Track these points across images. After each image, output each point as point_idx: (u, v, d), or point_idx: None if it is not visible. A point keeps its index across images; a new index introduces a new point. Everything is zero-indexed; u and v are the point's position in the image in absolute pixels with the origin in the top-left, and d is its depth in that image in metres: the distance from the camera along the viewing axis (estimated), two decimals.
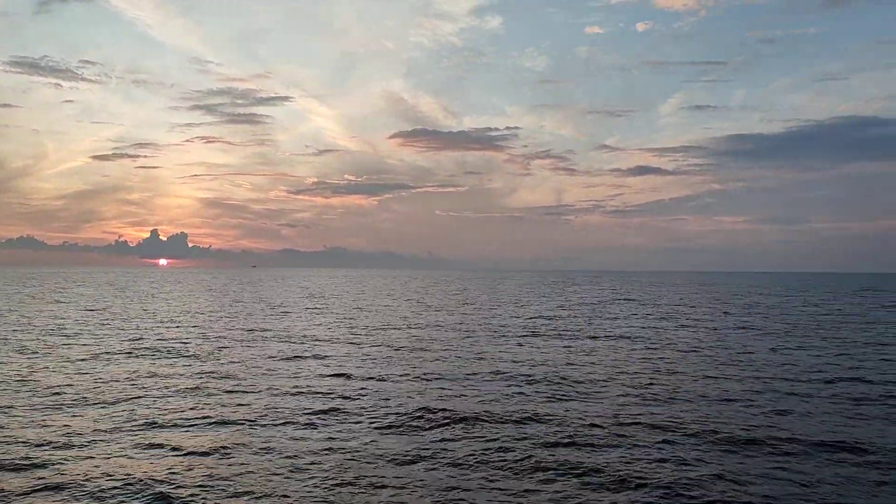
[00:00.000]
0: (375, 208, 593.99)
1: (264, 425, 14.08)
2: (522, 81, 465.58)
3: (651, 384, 19.09)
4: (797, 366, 22.95)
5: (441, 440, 13.03)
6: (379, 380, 19.68)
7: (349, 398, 17.00)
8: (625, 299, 70.78)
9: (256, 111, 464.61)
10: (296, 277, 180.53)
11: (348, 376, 20.32)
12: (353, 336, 31.99)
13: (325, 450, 12.34)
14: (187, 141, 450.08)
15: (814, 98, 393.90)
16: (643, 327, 37.85)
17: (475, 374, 20.81)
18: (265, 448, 12.40)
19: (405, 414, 15.08)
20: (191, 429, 13.75)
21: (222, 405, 16.03)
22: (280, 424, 14.21)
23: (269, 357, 24.53)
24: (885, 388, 18.75)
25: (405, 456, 12.00)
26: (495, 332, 34.64)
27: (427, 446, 12.64)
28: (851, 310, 55.44)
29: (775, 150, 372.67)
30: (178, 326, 36.61)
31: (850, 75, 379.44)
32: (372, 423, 14.39)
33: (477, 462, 11.65)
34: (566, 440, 12.99)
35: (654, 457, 11.98)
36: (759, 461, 11.93)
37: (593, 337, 32.05)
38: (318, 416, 15.03)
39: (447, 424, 14.15)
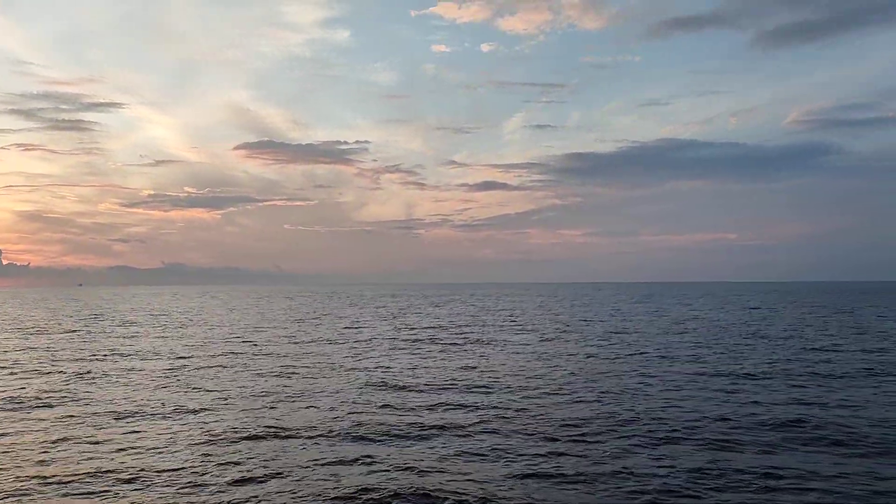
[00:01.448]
0: (219, 222, 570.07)
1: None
2: (371, 95, 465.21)
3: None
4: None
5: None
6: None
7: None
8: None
9: (84, 117, 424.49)
10: (124, 295, 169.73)
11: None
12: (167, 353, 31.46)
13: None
14: (1, 149, 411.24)
15: (639, 121, 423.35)
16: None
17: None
18: None
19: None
20: None
21: None
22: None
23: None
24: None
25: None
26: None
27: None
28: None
29: (608, 168, 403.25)
30: None
31: (670, 101, 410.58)
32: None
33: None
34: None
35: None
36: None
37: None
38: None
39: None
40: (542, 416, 16.84)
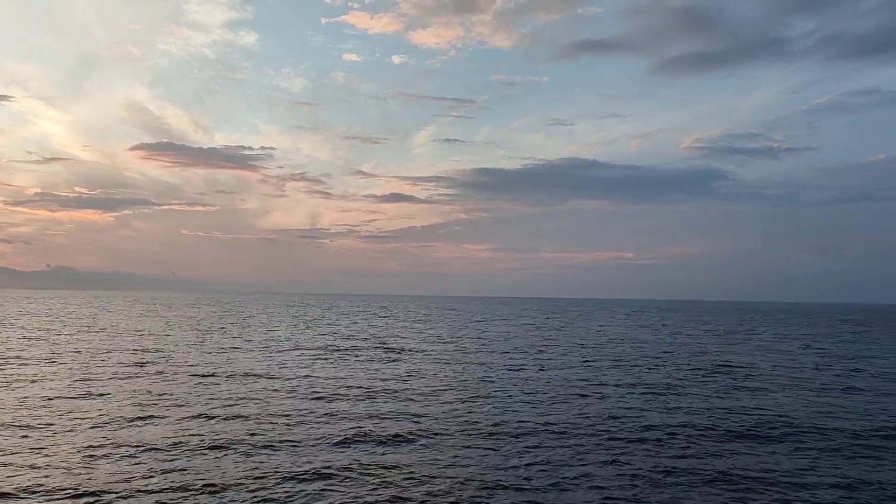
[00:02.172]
0: (112, 225, 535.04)
1: None
2: (278, 101, 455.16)
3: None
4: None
5: None
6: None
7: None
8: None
9: None
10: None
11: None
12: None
13: None
14: None
15: (546, 139, 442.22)
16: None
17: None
18: None
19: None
20: None
21: None
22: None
23: None
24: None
25: None
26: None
27: None
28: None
29: (514, 184, 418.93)
30: None
31: (575, 121, 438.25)
32: None
33: None
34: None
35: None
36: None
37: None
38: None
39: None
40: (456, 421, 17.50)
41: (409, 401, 21.01)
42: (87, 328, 53.42)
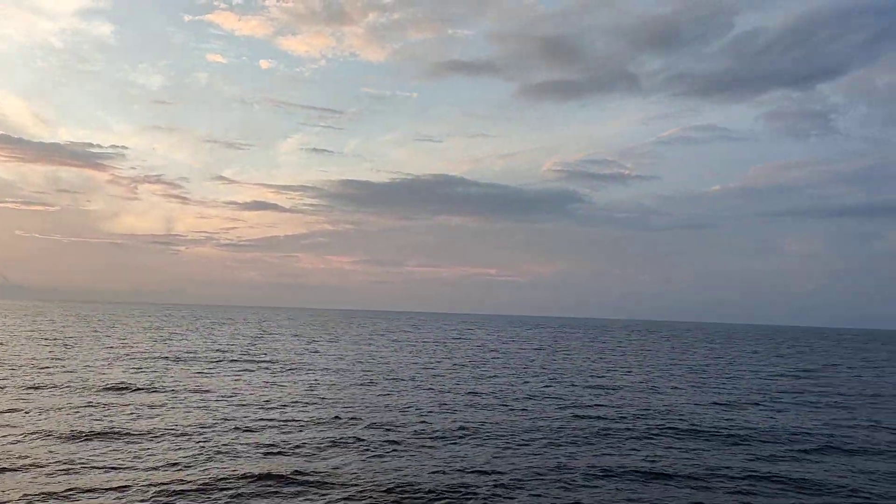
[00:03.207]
0: None
1: None
2: (133, 98, 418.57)
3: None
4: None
5: None
6: None
7: None
8: None
9: None
10: None
11: None
12: None
13: None
14: None
15: (414, 154, 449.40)
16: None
17: None
18: None
19: None
20: None
21: None
22: None
23: None
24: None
25: None
26: None
27: None
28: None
29: (381, 197, 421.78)
30: None
31: (443, 139, 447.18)
32: None
33: None
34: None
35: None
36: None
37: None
38: None
39: None
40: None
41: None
42: None
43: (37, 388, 21.81)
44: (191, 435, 15.46)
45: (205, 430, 16.09)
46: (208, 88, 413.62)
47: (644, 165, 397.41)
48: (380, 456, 14.26)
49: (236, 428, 16.40)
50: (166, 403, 19.67)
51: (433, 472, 13.00)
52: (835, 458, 15.80)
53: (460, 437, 16.39)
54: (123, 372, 26.84)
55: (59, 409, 18.18)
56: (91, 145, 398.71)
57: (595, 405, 22.45)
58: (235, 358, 35.61)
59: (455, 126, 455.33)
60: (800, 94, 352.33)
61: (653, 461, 14.60)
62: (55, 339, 44.93)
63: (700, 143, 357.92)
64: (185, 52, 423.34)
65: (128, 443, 14.49)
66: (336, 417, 18.36)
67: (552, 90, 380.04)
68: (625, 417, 20.17)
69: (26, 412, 17.59)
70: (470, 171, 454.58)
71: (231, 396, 21.53)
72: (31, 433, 15.06)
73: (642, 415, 20.74)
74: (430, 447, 15.23)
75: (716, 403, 24.00)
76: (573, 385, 28.10)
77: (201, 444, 14.60)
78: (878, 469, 14.86)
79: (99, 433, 15.25)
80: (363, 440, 15.60)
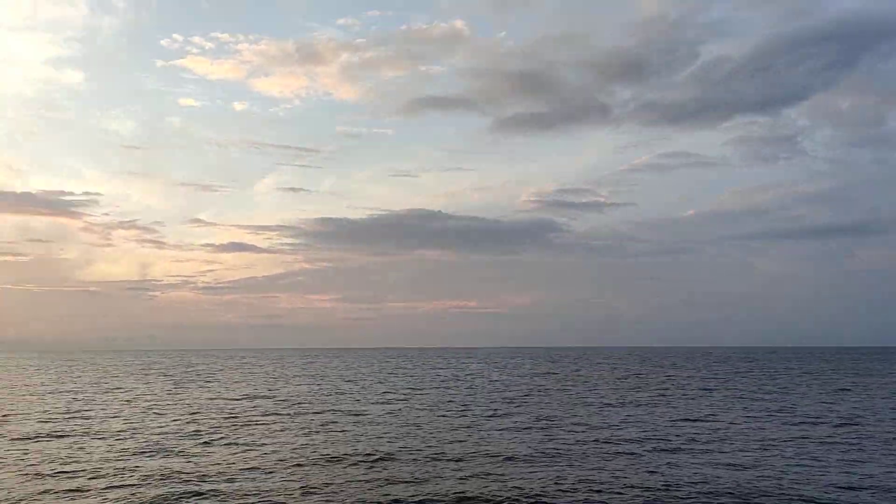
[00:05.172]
0: None
1: None
2: (106, 145, 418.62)
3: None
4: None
5: None
6: None
7: None
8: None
9: None
10: None
11: None
12: None
13: None
14: None
15: (390, 190, 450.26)
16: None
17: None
18: None
19: None
20: None
21: None
22: None
23: None
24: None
25: None
26: None
27: None
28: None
29: (359, 234, 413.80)
30: None
31: (418, 174, 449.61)
32: None
33: None
34: None
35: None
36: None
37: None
38: None
39: None
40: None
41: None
42: None
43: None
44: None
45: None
46: (182, 132, 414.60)
47: (619, 193, 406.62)
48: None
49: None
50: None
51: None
52: None
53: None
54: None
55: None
56: (63, 193, 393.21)
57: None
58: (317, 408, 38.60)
59: (431, 161, 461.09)
60: (766, 118, 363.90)
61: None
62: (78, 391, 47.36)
63: (672, 169, 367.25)
64: (158, 98, 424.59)
65: None
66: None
67: (525, 123, 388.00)
68: None
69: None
70: (447, 205, 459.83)
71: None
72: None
73: None
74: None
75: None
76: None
77: None
78: None
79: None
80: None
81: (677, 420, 29.32)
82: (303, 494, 16.22)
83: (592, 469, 18.82)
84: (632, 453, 21.29)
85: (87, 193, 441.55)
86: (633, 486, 16.73)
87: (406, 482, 17.30)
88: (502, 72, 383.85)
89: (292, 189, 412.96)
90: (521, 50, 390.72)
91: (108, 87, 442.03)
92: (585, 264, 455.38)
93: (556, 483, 17.17)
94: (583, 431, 25.99)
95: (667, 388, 48.01)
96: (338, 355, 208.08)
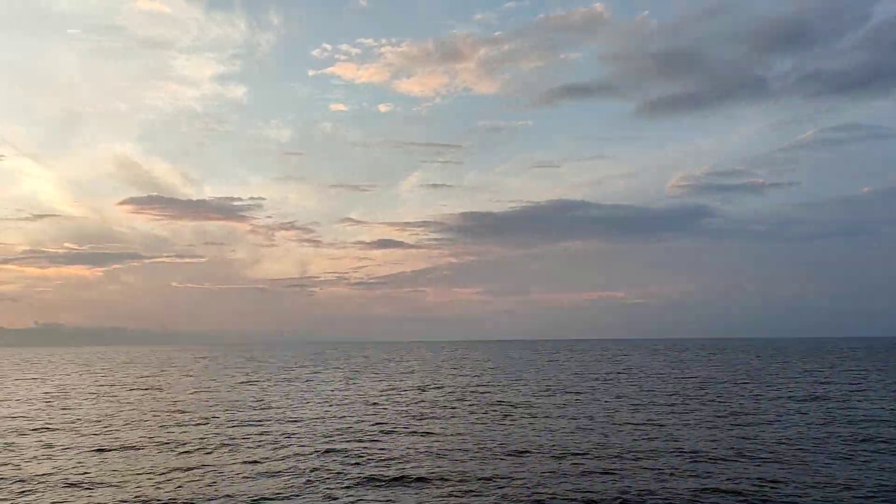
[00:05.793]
0: (101, 280, 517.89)
1: None
2: (267, 152, 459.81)
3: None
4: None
5: None
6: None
7: None
8: None
9: None
10: None
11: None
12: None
13: None
14: None
15: (532, 182, 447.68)
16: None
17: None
18: None
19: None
20: None
21: None
22: None
23: None
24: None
25: None
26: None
27: None
28: None
29: (502, 227, 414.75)
30: None
31: (560, 164, 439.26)
32: None
33: None
34: None
35: None
36: None
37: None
38: None
39: None
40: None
41: None
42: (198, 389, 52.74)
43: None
44: None
45: None
46: (332, 136, 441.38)
47: (779, 172, 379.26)
48: None
49: None
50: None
51: None
52: None
53: None
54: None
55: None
56: (232, 199, 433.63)
57: None
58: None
59: (572, 150, 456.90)
60: None
61: None
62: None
63: (841, 143, 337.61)
64: (311, 105, 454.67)
65: None
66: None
67: (672, 104, 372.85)
68: None
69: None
70: (590, 194, 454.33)
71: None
72: None
73: None
74: None
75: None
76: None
77: None
78: None
79: None
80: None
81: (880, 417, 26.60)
82: (499, 486, 16.41)
83: (823, 468, 17.50)
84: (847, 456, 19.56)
85: (252, 198, 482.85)
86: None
87: (601, 475, 17.00)
88: (646, 53, 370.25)
89: (436, 185, 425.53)
90: (666, 28, 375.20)
91: (267, 99, 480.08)
92: (742, 250, 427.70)
93: (771, 484, 16.15)
94: (777, 429, 24.30)
95: (859, 383, 43.77)
96: (486, 347, 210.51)
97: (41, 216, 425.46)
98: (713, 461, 18.80)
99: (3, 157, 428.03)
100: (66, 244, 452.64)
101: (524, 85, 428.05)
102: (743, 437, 22.57)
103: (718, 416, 27.83)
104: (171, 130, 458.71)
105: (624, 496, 15.16)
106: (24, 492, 16.11)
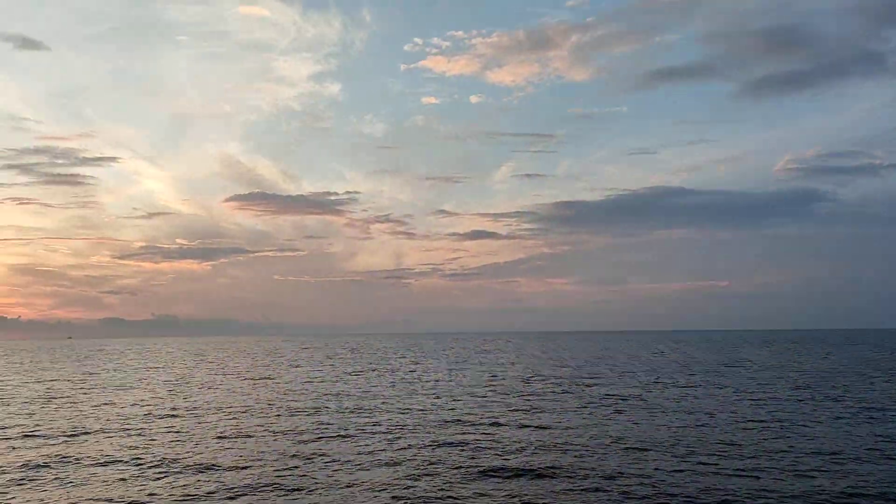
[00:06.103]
0: (209, 273, 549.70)
1: None
2: (361, 147, 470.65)
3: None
4: None
5: None
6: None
7: None
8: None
9: (79, 171, 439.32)
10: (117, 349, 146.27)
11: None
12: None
13: None
14: None
15: (627, 169, 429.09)
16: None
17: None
18: None
19: None
20: None
21: None
22: None
23: None
24: None
25: None
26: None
27: None
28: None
29: (597, 216, 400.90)
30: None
31: (657, 150, 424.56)
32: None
33: None
34: None
35: None
36: None
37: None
38: None
39: None
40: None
41: None
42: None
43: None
44: None
45: None
46: (425, 129, 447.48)
47: None
48: None
49: None
50: None
51: None
52: None
53: None
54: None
55: None
56: (329, 194, 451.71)
57: None
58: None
59: (669, 135, 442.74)
60: None
61: None
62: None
63: None
64: (403, 99, 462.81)
65: None
66: None
67: (777, 84, 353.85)
68: None
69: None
70: (689, 181, 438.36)
71: None
72: None
73: None
74: None
75: None
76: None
77: None
78: None
79: None
80: None
81: None
82: (620, 483, 15.69)
83: None
84: None
85: (348, 192, 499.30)
86: None
87: (733, 475, 15.94)
88: (748, 31, 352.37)
89: (528, 175, 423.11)
90: (769, 4, 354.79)
91: (361, 95, 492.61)
92: (858, 236, 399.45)
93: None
94: None
95: None
96: (582, 338, 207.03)
97: (155, 214, 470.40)
98: (857, 461, 17.31)
99: (121, 160, 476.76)
100: (178, 240, 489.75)
101: (618, 70, 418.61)
102: (882, 436, 20.71)
103: (852, 413, 25.79)
104: (271, 129, 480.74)
105: (766, 498, 14.10)
106: (159, 476, 16.83)
